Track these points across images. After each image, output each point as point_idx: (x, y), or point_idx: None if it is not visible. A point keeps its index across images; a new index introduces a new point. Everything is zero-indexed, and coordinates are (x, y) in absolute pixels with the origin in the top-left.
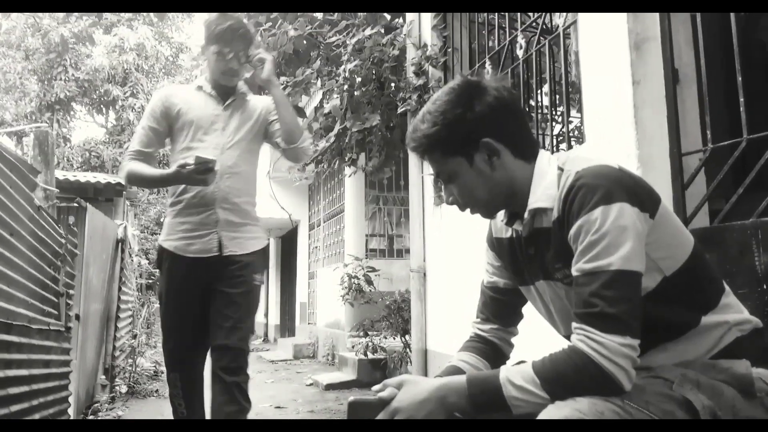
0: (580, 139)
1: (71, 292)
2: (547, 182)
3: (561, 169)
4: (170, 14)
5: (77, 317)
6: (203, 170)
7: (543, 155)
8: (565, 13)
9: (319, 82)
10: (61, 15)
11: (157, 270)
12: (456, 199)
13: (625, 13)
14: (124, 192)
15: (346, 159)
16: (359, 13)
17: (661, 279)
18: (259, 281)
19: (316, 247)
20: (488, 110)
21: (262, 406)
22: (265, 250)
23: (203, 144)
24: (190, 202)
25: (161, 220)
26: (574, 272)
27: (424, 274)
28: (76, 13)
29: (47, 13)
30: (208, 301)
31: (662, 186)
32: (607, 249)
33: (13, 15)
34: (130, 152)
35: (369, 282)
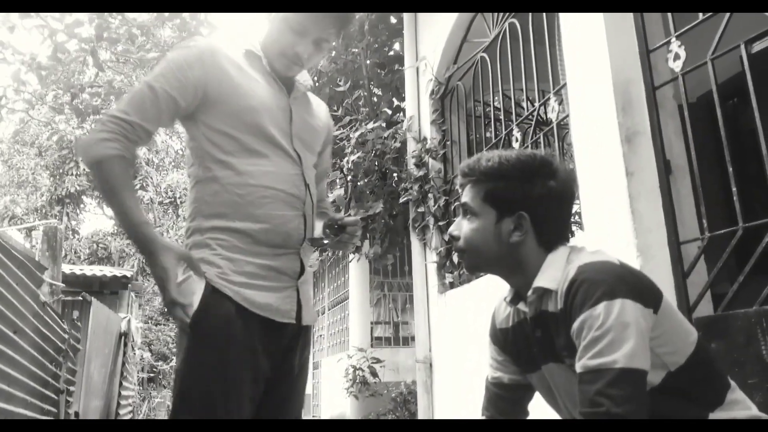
0: (580, 225)
1: (72, 388)
2: (555, 267)
3: (567, 258)
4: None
5: (76, 415)
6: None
7: (562, 247)
8: (558, 108)
9: None
10: (76, 118)
11: (188, 327)
12: (458, 236)
13: (615, 109)
14: (130, 285)
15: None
16: (362, 109)
17: (665, 375)
18: None
19: (321, 336)
20: (547, 192)
21: None
22: None
23: (278, 154)
24: (264, 237)
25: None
26: (578, 368)
27: (431, 365)
28: (91, 116)
29: (64, 117)
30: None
31: (663, 275)
32: (611, 346)
33: (30, 113)
34: (121, 121)
35: (374, 374)
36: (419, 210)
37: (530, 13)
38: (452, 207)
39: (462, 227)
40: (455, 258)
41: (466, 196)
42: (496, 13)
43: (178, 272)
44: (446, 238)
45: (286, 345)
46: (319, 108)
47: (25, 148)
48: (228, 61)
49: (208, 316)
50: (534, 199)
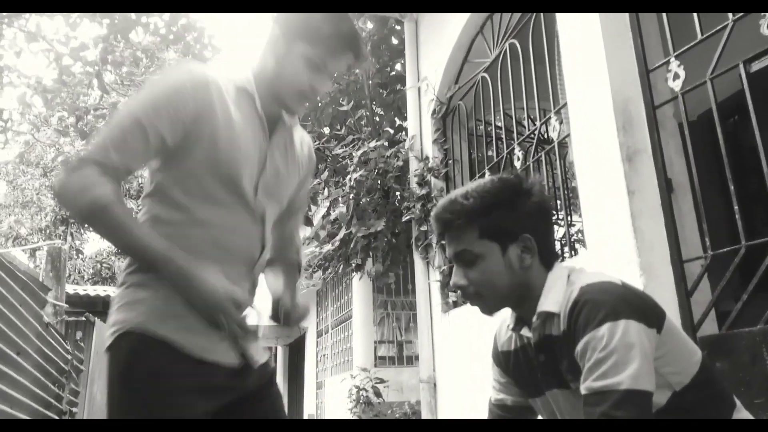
0: (583, 242)
1: (74, 410)
2: (557, 289)
3: (568, 279)
4: None
5: None
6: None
7: (558, 265)
8: (559, 127)
9: (326, 192)
10: (81, 140)
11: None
12: (467, 285)
13: (616, 128)
14: None
15: (352, 264)
16: (365, 128)
17: (670, 395)
18: None
19: (324, 355)
20: (535, 209)
21: None
22: None
23: (241, 207)
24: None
25: None
26: (583, 390)
27: (434, 385)
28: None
29: (68, 139)
30: None
31: (666, 293)
32: (616, 367)
33: (35, 135)
34: (101, 166)
35: (378, 394)
36: (422, 228)
37: (530, 34)
38: None
39: (468, 275)
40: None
41: (459, 242)
42: (496, 34)
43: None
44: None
45: (232, 384)
46: (302, 143)
47: (30, 168)
48: (220, 99)
49: (141, 365)
50: (528, 218)
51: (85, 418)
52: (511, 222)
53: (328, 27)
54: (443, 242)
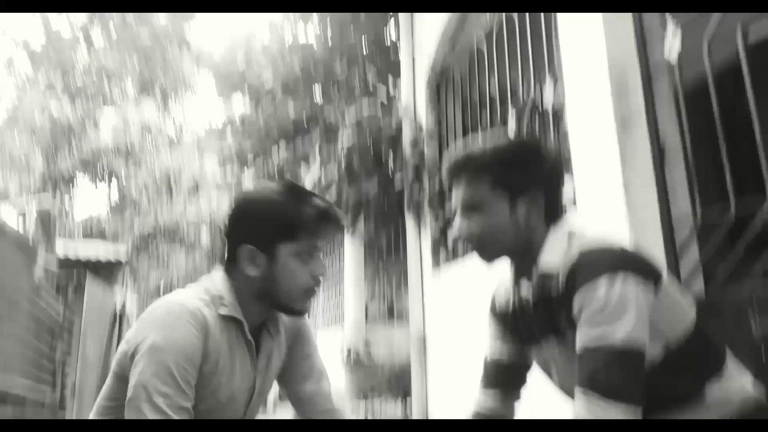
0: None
1: (67, 369)
2: (557, 250)
3: (568, 242)
4: (173, 96)
5: (74, 387)
6: None
7: (561, 225)
8: (554, 95)
9: (318, 158)
10: (67, 98)
11: None
12: (471, 233)
13: (611, 94)
14: (124, 263)
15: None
16: (356, 91)
17: (666, 349)
18: None
19: (315, 313)
20: (548, 169)
21: None
22: None
23: None
24: None
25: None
26: (578, 343)
27: (425, 342)
28: (83, 97)
29: (56, 97)
30: None
31: (656, 256)
32: (611, 320)
33: (22, 93)
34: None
35: (368, 352)
36: (414, 191)
37: None
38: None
39: (471, 224)
40: (449, 237)
41: (469, 189)
42: None
43: None
44: (451, 235)
45: None
46: (288, 336)
47: (18, 126)
48: (210, 340)
49: None
50: (541, 177)
51: (77, 375)
52: (524, 177)
53: (304, 213)
54: (450, 191)
